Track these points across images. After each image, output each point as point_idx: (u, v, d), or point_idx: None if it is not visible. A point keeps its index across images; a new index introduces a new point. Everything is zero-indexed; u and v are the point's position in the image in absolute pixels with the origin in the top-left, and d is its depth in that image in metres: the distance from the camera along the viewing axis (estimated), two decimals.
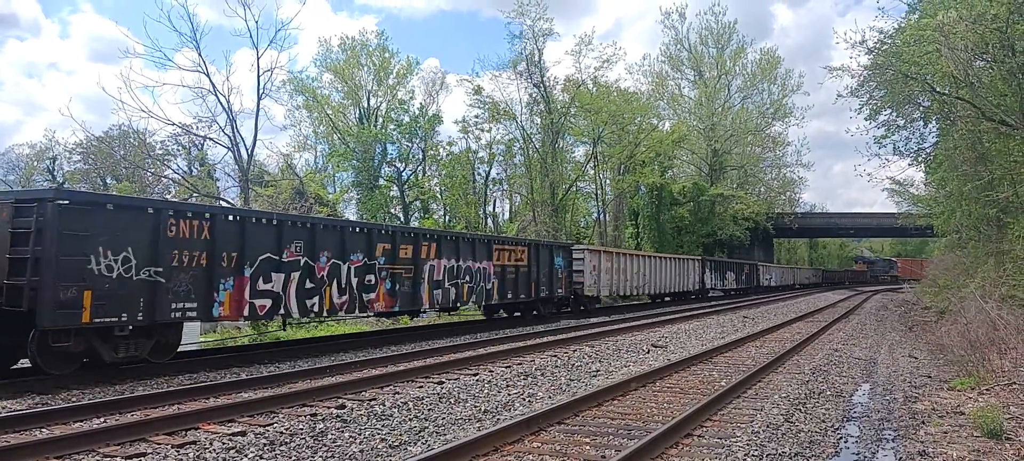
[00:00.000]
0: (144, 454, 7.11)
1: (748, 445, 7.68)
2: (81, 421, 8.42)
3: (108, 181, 44.41)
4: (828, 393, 11.13)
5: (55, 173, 50.82)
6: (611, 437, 8.03)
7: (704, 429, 8.46)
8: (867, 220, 72.00)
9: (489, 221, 55.58)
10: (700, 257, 46.10)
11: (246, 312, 13.44)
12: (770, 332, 20.66)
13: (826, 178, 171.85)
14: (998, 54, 15.87)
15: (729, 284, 49.37)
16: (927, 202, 32.50)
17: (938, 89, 18.62)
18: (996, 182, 19.96)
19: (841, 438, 8.39)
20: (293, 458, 7.15)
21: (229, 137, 34.59)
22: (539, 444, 7.69)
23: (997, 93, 16.99)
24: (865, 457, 7.62)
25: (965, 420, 8.90)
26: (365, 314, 17.21)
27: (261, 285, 13.58)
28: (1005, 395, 10.13)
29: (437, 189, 57.12)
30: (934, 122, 24.38)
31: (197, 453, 7.15)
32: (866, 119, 23.32)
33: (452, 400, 10.10)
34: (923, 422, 9.06)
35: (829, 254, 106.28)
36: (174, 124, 35.87)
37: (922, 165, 28.52)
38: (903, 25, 20.55)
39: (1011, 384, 10.69)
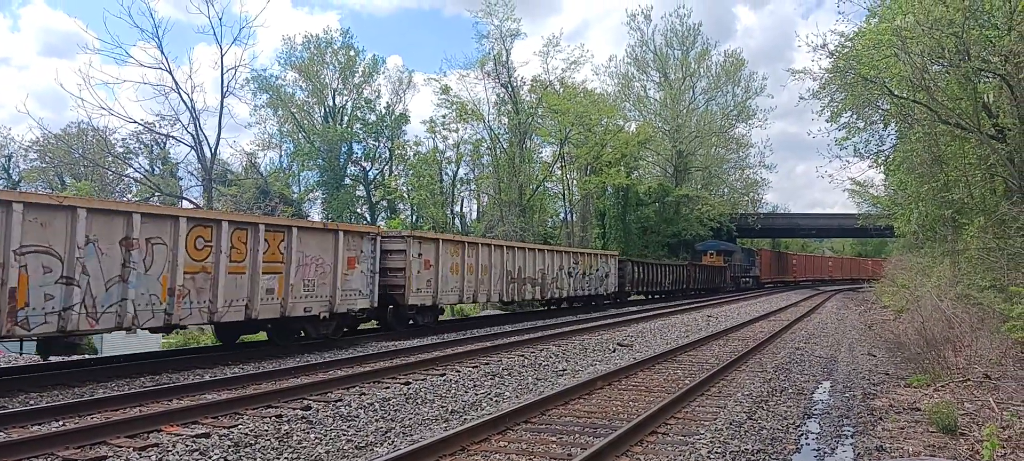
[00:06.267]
0: (104, 457, 6.99)
1: (712, 442, 7.79)
2: (39, 424, 8.25)
3: (67, 180, 43.50)
4: (790, 391, 11.33)
5: (11, 171, 49.63)
6: (577, 435, 8.09)
7: (669, 426, 8.57)
8: (828, 221, 73.11)
9: (457, 221, 55.51)
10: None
11: None
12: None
13: (789, 179, 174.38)
14: (954, 58, 16.25)
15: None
16: (886, 203, 33.18)
17: (896, 93, 19.01)
18: (951, 184, 20.45)
19: (802, 434, 8.55)
20: (258, 460, 7.08)
21: (192, 135, 34.19)
22: (506, 443, 7.72)
23: (952, 97, 17.39)
24: (825, 453, 7.77)
25: (921, 416, 9.12)
26: None
27: None
28: (960, 391, 10.40)
29: (404, 189, 56.90)
30: (893, 125, 24.85)
31: (159, 456, 7.05)
32: (827, 121, 23.71)
33: (419, 400, 10.09)
34: (881, 418, 9.27)
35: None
36: (136, 122, 35.34)
37: (882, 167, 29.08)
38: (863, 29, 20.93)
39: (965, 380, 10.98)
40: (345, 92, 58.55)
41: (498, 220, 46.70)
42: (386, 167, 59.77)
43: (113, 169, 39.10)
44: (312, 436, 7.99)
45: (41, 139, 40.95)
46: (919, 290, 21.40)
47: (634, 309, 32.54)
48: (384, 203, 57.43)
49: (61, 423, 8.34)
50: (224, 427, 8.24)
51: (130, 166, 41.65)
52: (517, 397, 10.51)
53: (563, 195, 55.12)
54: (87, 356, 17.02)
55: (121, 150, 41.14)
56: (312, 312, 15.26)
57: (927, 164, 21.28)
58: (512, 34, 46.89)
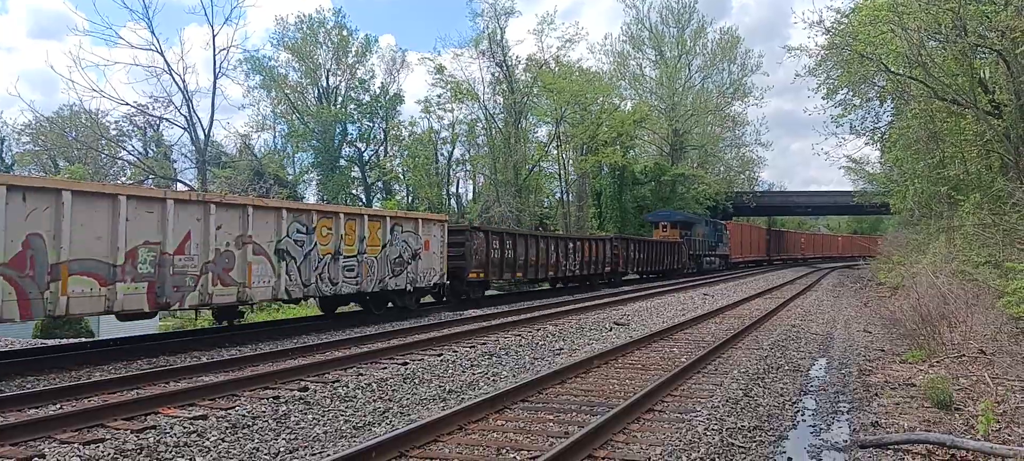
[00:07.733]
0: (102, 440, 6.98)
1: (708, 419, 7.82)
2: (36, 407, 8.25)
3: (60, 163, 43.33)
4: (786, 368, 11.37)
5: (3, 155, 49.42)
6: (574, 413, 8.11)
7: (665, 404, 8.59)
8: (824, 198, 73.12)
9: (452, 202, 55.44)
10: None
11: None
12: None
13: (784, 157, 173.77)
14: (950, 34, 16.21)
15: None
16: (882, 180, 33.26)
17: (892, 69, 18.97)
18: (947, 160, 20.49)
19: (798, 411, 8.59)
20: (256, 441, 7.08)
21: (185, 117, 34.02)
22: (503, 422, 7.74)
23: (949, 73, 17.36)
24: (821, 429, 7.81)
25: (916, 391, 9.17)
26: None
27: None
28: (954, 367, 10.45)
29: (399, 170, 56.76)
30: (889, 101, 24.91)
31: (157, 438, 7.05)
32: (824, 98, 23.78)
33: (416, 381, 10.10)
34: (876, 394, 9.31)
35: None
36: (128, 104, 35.11)
37: (878, 144, 29.19)
38: (859, 5, 20.87)
39: (960, 356, 11.03)
40: (339, 72, 58.22)
41: (494, 201, 46.65)
42: (381, 148, 59.57)
43: (107, 152, 38.90)
44: (310, 417, 8.00)
45: (34, 122, 40.77)
46: (914, 267, 21.47)
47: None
48: (380, 184, 57.29)
49: (58, 406, 8.34)
50: (222, 409, 8.25)
51: (123, 149, 41.44)
52: (514, 376, 10.53)
53: (559, 175, 55.02)
54: (84, 339, 17.01)
55: (114, 133, 40.92)
56: None
57: (923, 141, 21.31)
58: (506, 12, 46.72)
